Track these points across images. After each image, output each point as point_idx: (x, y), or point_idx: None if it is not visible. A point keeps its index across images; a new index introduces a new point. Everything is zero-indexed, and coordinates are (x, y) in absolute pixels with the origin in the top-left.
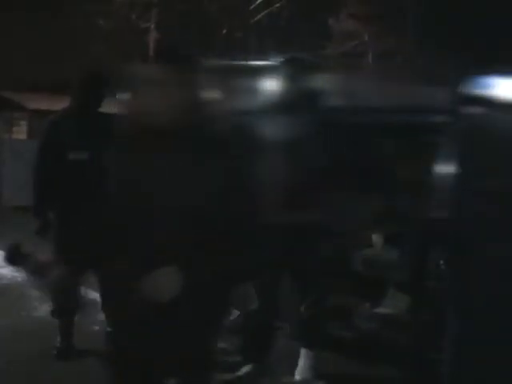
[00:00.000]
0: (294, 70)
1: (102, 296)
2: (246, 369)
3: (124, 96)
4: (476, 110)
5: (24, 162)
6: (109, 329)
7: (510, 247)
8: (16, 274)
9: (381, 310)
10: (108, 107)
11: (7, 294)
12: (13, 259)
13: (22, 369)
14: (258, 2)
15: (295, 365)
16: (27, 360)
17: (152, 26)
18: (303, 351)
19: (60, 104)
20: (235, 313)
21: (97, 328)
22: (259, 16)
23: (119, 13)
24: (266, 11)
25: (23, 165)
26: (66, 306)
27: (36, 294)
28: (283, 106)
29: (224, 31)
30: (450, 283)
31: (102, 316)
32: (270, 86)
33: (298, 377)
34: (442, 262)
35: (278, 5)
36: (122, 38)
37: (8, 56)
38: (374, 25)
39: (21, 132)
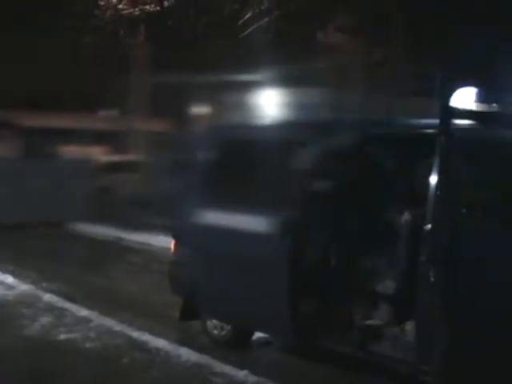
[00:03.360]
0: None
1: None
2: None
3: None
4: (463, 122)
5: (13, 180)
6: None
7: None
8: (7, 293)
9: (371, 322)
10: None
11: None
12: None
13: None
14: (246, 17)
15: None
16: (16, 379)
17: (140, 42)
18: None
19: (52, 120)
20: None
21: (88, 345)
22: (248, 31)
23: (106, 28)
24: (254, 26)
25: (12, 183)
26: None
27: (28, 312)
28: None
29: (212, 46)
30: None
31: (93, 333)
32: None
33: None
34: (430, 273)
35: (266, 19)
36: (109, 54)
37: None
38: (363, 38)
39: (9, 150)
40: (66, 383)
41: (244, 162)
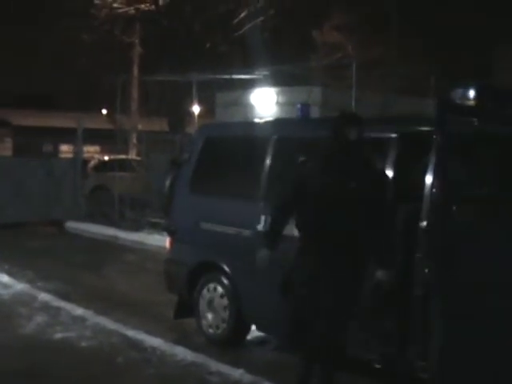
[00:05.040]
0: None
1: None
2: None
3: None
4: (458, 118)
5: (10, 179)
6: None
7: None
8: (2, 292)
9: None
10: None
11: None
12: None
13: None
14: (241, 16)
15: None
16: (12, 378)
17: (136, 41)
18: None
19: (48, 119)
20: None
21: (84, 344)
22: (243, 30)
23: (103, 28)
24: (249, 25)
25: (9, 182)
26: None
27: (24, 311)
28: None
29: (208, 45)
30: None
31: (89, 332)
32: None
33: None
34: (426, 270)
35: (261, 18)
36: (105, 53)
37: None
38: (358, 36)
39: (6, 149)
40: (61, 382)
41: (236, 159)
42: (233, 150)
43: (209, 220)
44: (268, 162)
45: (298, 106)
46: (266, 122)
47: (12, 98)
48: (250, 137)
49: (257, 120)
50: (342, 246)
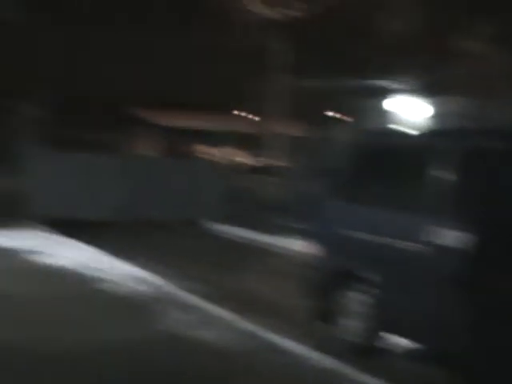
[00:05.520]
0: None
1: None
2: None
3: None
4: None
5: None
6: None
7: None
8: (142, 288)
9: None
10: None
11: (130, 305)
12: None
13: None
14: (382, 22)
15: None
16: (144, 373)
17: (279, 46)
18: None
19: (190, 121)
20: None
21: (219, 344)
22: (385, 36)
23: (250, 32)
24: (389, 32)
25: (152, 181)
26: None
27: (161, 308)
28: None
29: (349, 51)
30: None
31: (225, 332)
32: None
33: None
34: None
35: (403, 25)
36: (252, 58)
37: (139, 73)
38: (502, 45)
39: (150, 149)
40: (195, 381)
41: (397, 168)
42: (394, 158)
43: (357, 228)
44: (446, 174)
45: None
46: (445, 132)
47: (154, 99)
48: (416, 146)
49: (429, 129)
50: None
